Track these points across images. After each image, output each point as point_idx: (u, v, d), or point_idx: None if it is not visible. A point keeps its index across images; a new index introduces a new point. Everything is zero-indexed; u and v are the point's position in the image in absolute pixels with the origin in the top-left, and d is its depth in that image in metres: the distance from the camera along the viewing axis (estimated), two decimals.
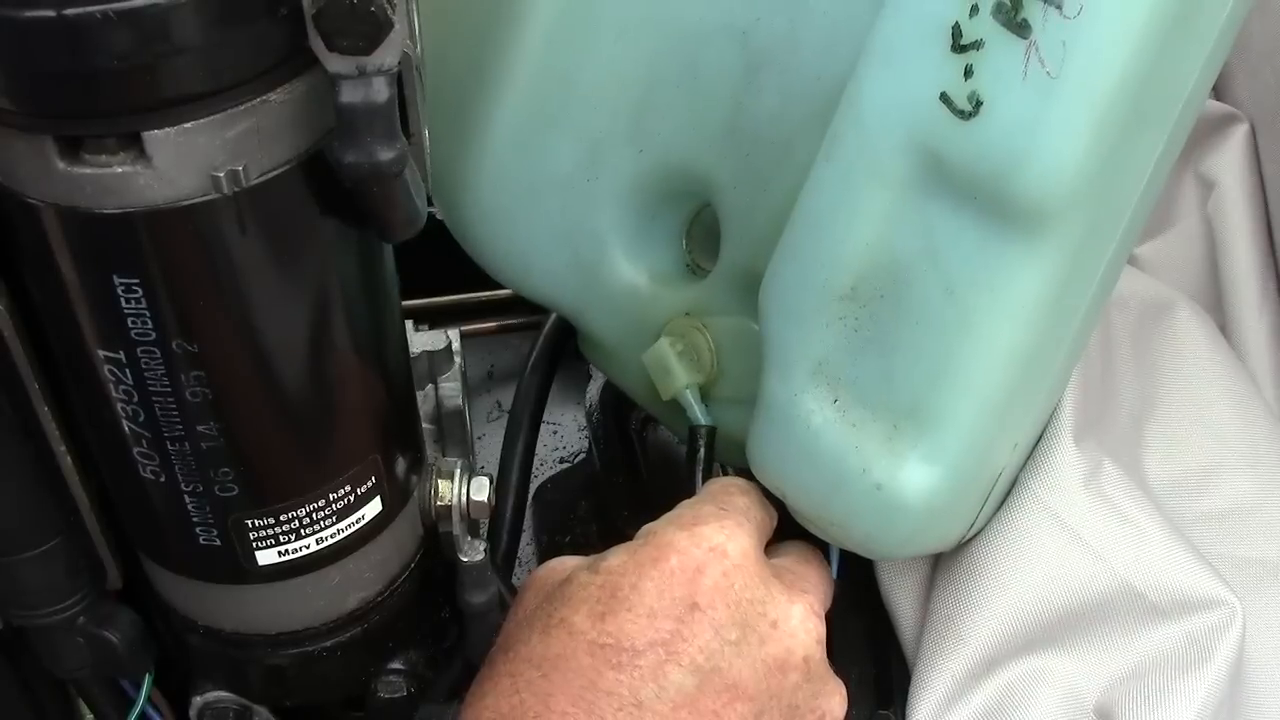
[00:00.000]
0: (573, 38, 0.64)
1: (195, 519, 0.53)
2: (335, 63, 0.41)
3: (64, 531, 0.55)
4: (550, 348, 0.79)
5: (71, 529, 0.55)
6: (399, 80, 0.43)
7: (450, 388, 0.70)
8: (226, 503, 0.52)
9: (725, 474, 0.69)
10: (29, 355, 0.50)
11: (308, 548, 0.55)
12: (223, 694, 0.63)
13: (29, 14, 0.38)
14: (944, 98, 0.50)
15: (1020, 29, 0.48)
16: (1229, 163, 0.80)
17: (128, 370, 0.47)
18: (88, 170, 0.42)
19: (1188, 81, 0.51)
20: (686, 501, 0.62)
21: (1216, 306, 0.79)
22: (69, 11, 0.38)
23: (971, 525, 0.61)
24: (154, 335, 0.46)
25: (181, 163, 0.43)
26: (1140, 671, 0.60)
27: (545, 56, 0.64)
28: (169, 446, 0.50)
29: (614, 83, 0.64)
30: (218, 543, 0.53)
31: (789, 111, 0.60)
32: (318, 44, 0.41)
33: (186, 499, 0.52)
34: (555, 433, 0.97)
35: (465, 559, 0.61)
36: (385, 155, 0.43)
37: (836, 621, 0.60)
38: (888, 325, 0.56)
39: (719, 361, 0.67)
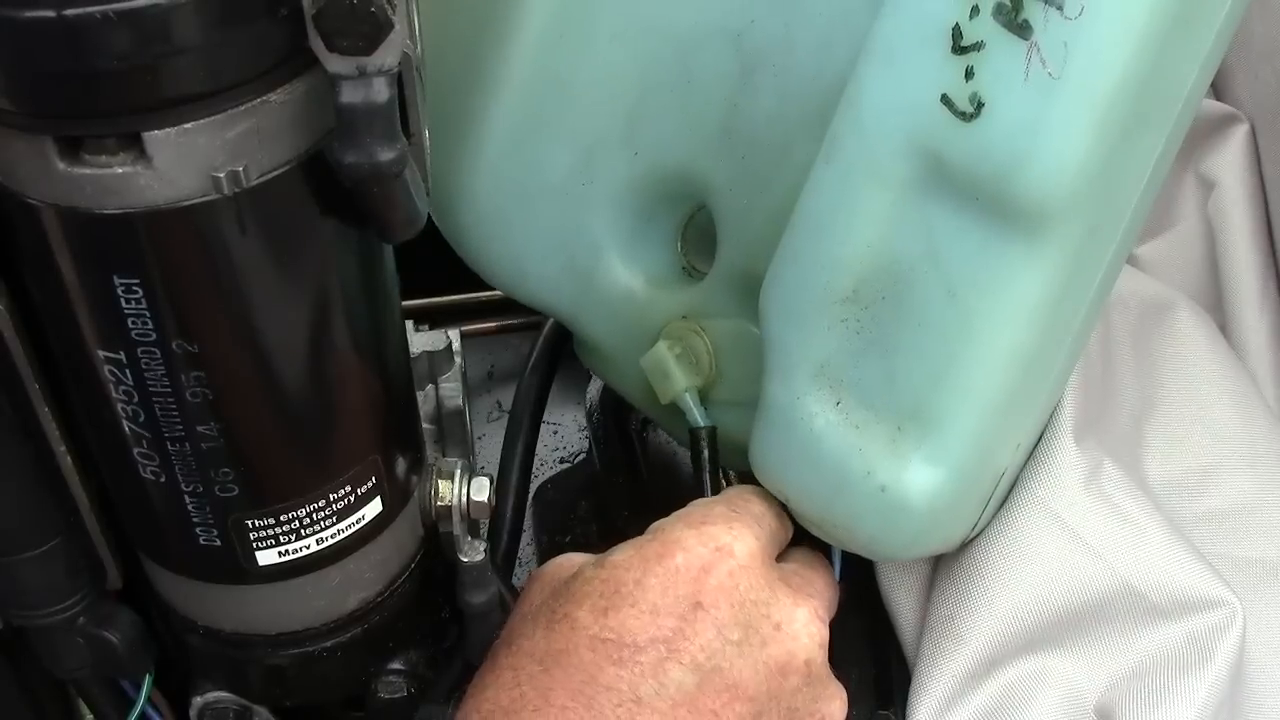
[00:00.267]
0: (566, 42, 0.63)
1: (195, 519, 0.53)
2: (335, 63, 0.41)
3: (64, 531, 0.55)
4: (550, 348, 0.79)
5: (71, 529, 0.55)
6: (399, 80, 0.43)
7: (450, 388, 0.70)
8: (227, 503, 0.52)
9: (728, 478, 0.70)
10: (29, 355, 0.50)
11: (308, 548, 0.55)
12: (223, 694, 0.63)
13: (29, 14, 0.38)
14: (945, 99, 0.50)
15: (1021, 30, 0.48)
16: (1229, 163, 0.80)
17: (128, 370, 0.47)
18: (88, 170, 0.42)
19: (1187, 81, 0.51)
20: (698, 501, 0.62)
21: (1216, 306, 0.79)
22: (69, 12, 0.38)
23: (974, 525, 0.61)
24: (154, 335, 0.46)
25: (182, 163, 0.43)
26: (1141, 671, 0.60)
27: (539, 61, 0.64)
28: (169, 447, 0.50)
29: (608, 86, 0.64)
30: (218, 543, 0.53)
31: (786, 113, 0.60)
32: (318, 44, 0.41)
33: (186, 499, 0.52)
34: (555, 433, 0.97)
35: (465, 559, 0.61)
36: (385, 156, 0.43)
37: (836, 621, 0.61)
38: (890, 327, 0.55)
39: (717, 364, 0.67)
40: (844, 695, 0.59)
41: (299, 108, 0.44)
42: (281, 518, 0.53)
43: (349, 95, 0.42)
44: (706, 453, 0.67)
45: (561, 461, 0.96)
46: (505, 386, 0.98)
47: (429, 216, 0.50)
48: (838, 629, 0.60)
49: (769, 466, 0.62)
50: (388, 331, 0.55)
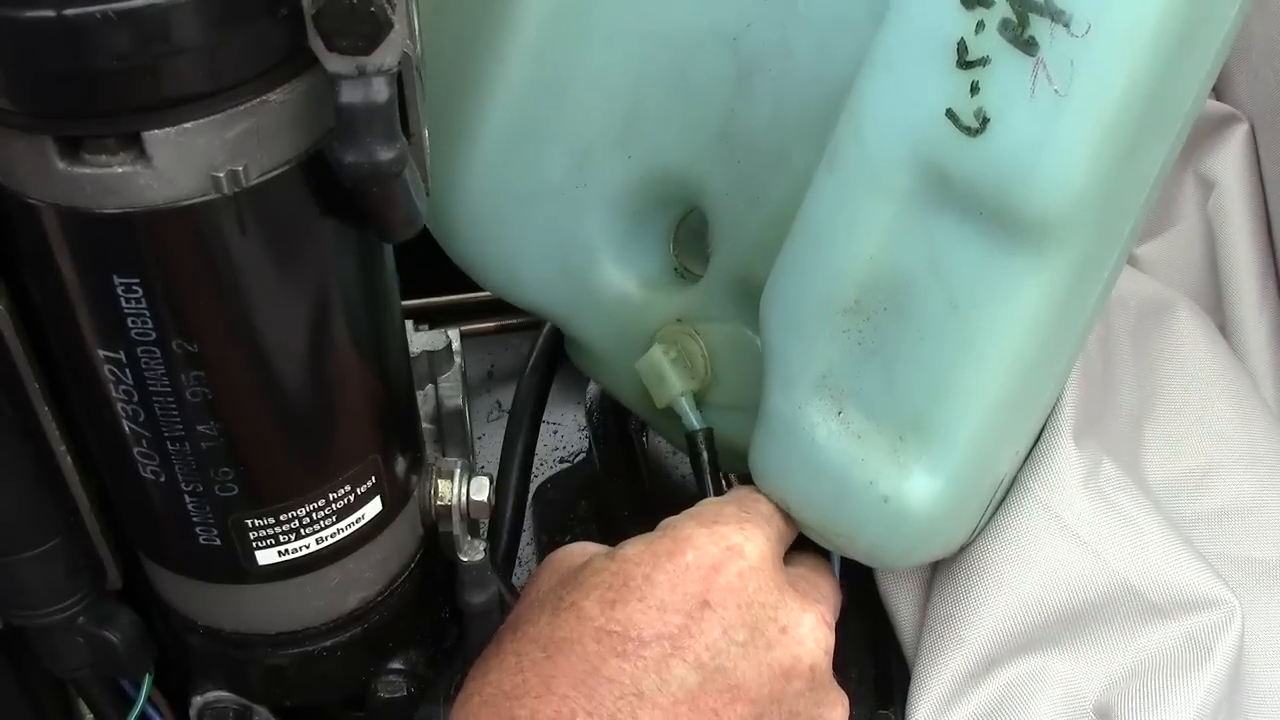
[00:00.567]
0: (562, 44, 0.63)
1: (195, 519, 0.53)
2: (335, 63, 0.41)
3: (64, 531, 0.55)
4: (550, 348, 0.79)
5: (71, 529, 0.55)
6: (399, 80, 0.43)
7: (450, 388, 0.70)
8: (226, 502, 0.52)
9: (728, 480, 0.70)
10: (29, 355, 0.50)
11: (308, 547, 0.55)
12: (223, 694, 0.63)
13: (29, 14, 0.38)
14: (950, 114, 0.50)
15: (1027, 46, 0.48)
16: (1229, 163, 0.80)
17: (128, 370, 0.47)
18: (88, 170, 0.42)
19: (1191, 94, 0.51)
20: (709, 500, 0.62)
21: (1216, 306, 0.79)
22: (69, 12, 0.38)
23: (973, 530, 0.61)
24: (154, 335, 0.46)
25: (181, 163, 0.43)
26: (1140, 671, 0.60)
27: (535, 63, 0.64)
28: (169, 446, 0.50)
29: (604, 89, 0.64)
30: (218, 543, 0.53)
31: (783, 118, 0.60)
32: (317, 44, 0.41)
33: (186, 499, 0.52)
34: (555, 433, 0.97)
35: (465, 559, 0.61)
36: (385, 155, 0.43)
37: (838, 621, 0.61)
38: (891, 338, 0.55)
39: (713, 368, 0.67)
40: (846, 702, 0.59)
41: (299, 107, 0.44)
42: (281, 517, 0.53)
43: (349, 95, 0.42)
44: (705, 455, 0.67)
45: (561, 461, 0.96)
46: (505, 386, 0.98)
47: None
48: (838, 629, 0.60)
49: (769, 474, 0.62)
50: (388, 331, 0.55)
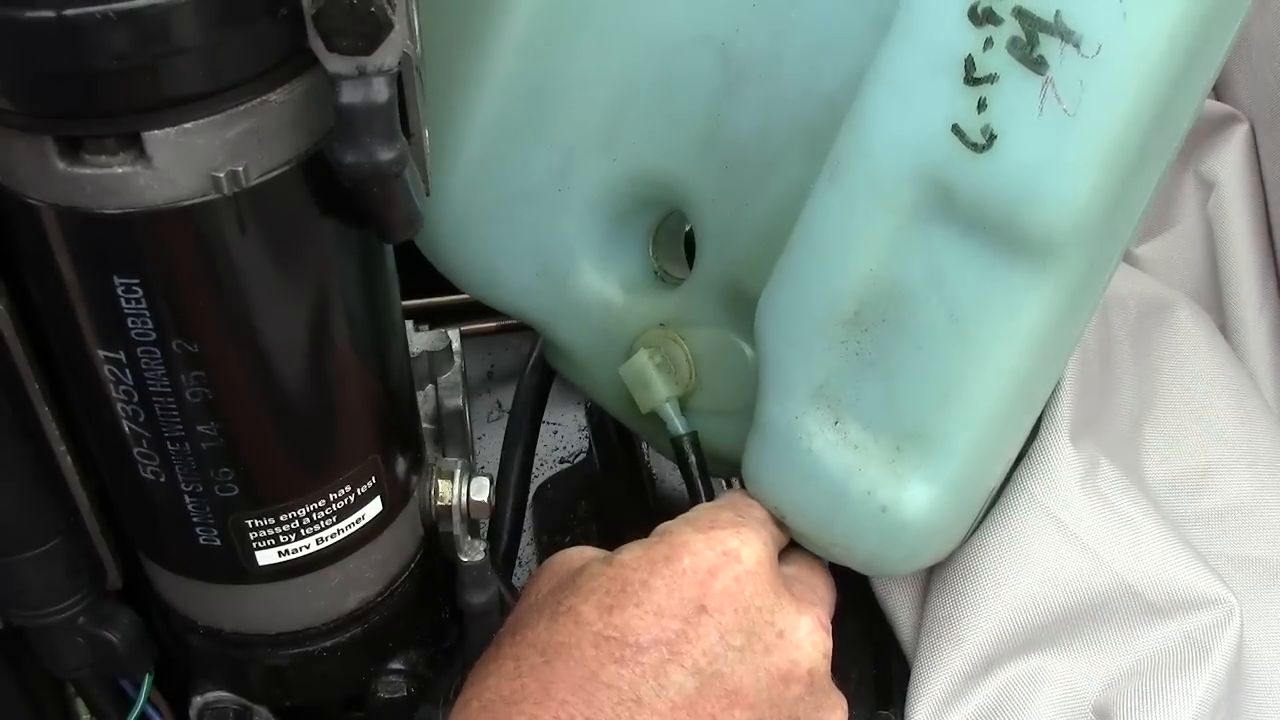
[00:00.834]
0: (550, 44, 0.63)
1: (195, 519, 0.53)
2: (335, 63, 0.41)
3: (64, 531, 0.55)
4: None
5: (71, 529, 0.55)
6: (399, 80, 0.43)
7: (450, 388, 0.70)
8: (226, 503, 0.52)
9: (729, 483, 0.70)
10: (29, 355, 0.50)
11: (308, 548, 0.55)
12: (223, 694, 0.63)
13: (29, 14, 0.38)
14: (956, 130, 0.50)
15: (1036, 65, 0.48)
16: (1229, 163, 0.80)
17: (128, 370, 0.47)
18: (88, 170, 0.42)
19: (1193, 110, 0.51)
20: (703, 505, 0.62)
21: (1216, 306, 0.79)
22: (69, 12, 0.38)
23: (966, 535, 0.61)
24: (154, 335, 0.46)
25: (181, 163, 0.43)
26: (1138, 670, 0.60)
27: (520, 64, 0.63)
28: (169, 446, 0.50)
29: (589, 90, 0.63)
30: (218, 543, 0.53)
31: (772, 125, 0.60)
32: (317, 44, 0.41)
33: (186, 499, 0.52)
34: (555, 433, 0.97)
35: (465, 559, 0.61)
36: (385, 155, 0.43)
37: (836, 621, 0.61)
38: (890, 350, 0.55)
39: (697, 373, 0.67)
40: (844, 705, 0.59)
41: (299, 108, 0.44)
42: (281, 518, 0.53)
43: (349, 95, 0.42)
44: (693, 459, 0.67)
45: (561, 461, 0.96)
46: (505, 386, 0.98)
47: None
48: (838, 629, 0.60)
49: (764, 482, 0.61)
50: (388, 331, 0.55)
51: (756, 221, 0.61)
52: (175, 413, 0.49)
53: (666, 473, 0.87)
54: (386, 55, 0.41)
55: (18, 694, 0.64)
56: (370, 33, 0.41)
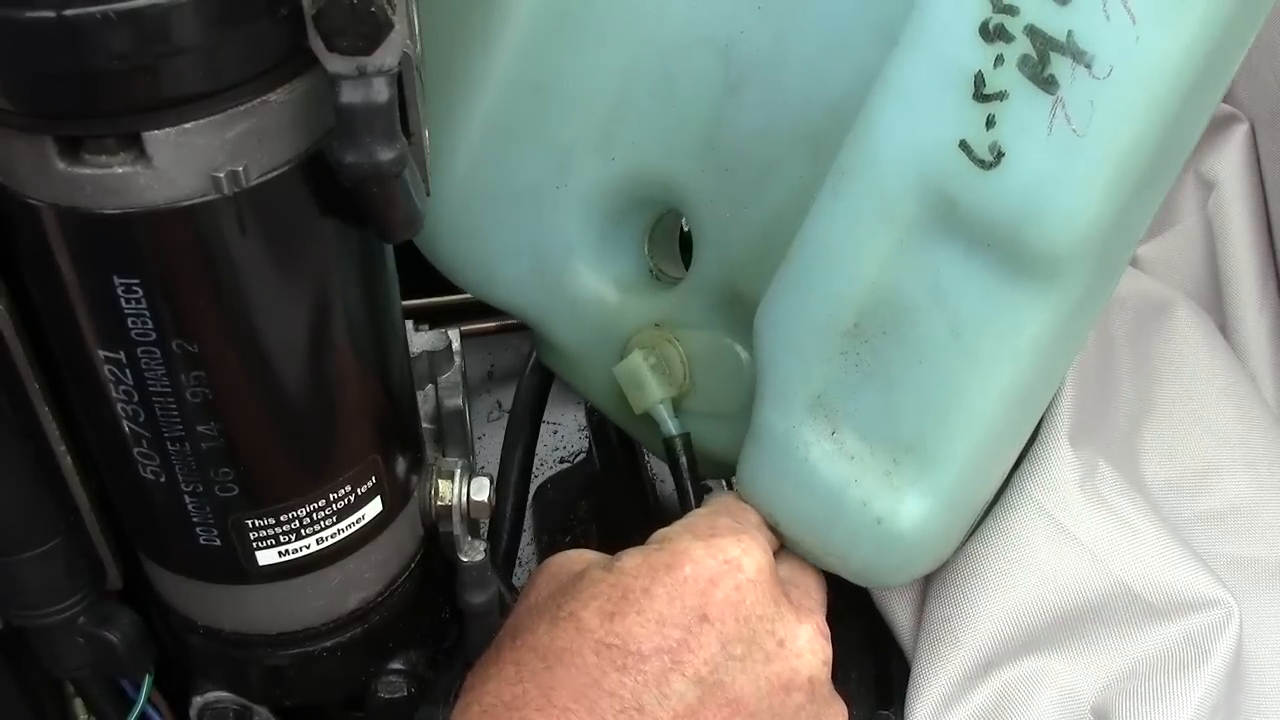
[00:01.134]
0: (550, 43, 0.63)
1: (195, 519, 0.53)
2: (335, 63, 0.41)
3: (64, 531, 0.55)
4: None
5: (71, 529, 0.55)
6: (399, 80, 0.43)
7: (450, 388, 0.70)
8: (226, 503, 0.52)
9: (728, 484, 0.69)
10: (29, 355, 0.50)
11: (308, 548, 0.55)
12: (223, 694, 0.63)
13: (29, 14, 0.38)
14: (963, 145, 0.50)
15: (1046, 84, 0.47)
16: (1229, 163, 0.80)
17: (128, 370, 0.47)
18: (88, 170, 0.42)
19: (1200, 129, 0.51)
20: (700, 511, 0.62)
21: (1216, 306, 0.79)
22: (69, 12, 0.38)
23: (960, 543, 0.61)
24: (154, 335, 0.46)
25: (181, 163, 0.43)
26: (1137, 672, 0.60)
27: (520, 62, 0.63)
28: (169, 446, 0.50)
29: (589, 90, 0.63)
30: (218, 543, 0.53)
31: (773, 129, 0.60)
32: (317, 44, 0.41)
33: (186, 499, 0.52)
34: (555, 433, 0.97)
35: (465, 559, 0.61)
36: (385, 155, 0.43)
37: (836, 621, 0.61)
38: (890, 362, 0.55)
39: (691, 374, 0.67)
40: (845, 713, 0.59)
41: (299, 108, 0.44)
42: (281, 518, 0.53)
43: (349, 95, 0.42)
44: (684, 460, 0.67)
45: (561, 461, 0.96)
46: (505, 386, 0.98)
47: None
48: (838, 629, 0.60)
49: (759, 489, 0.61)
50: (388, 331, 0.55)
51: (754, 225, 0.61)
52: (175, 413, 0.49)
53: (668, 474, 0.87)
54: (386, 55, 0.41)
55: (18, 694, 0.64)
56: (370, 33, 0.41)
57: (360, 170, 0.43)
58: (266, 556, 0.54)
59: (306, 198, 0.46)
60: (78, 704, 0.67)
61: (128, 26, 0.39)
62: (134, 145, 0.42)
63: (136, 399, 0.48)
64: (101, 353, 0.47)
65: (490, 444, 0.93)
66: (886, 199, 0.53)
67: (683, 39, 0.61)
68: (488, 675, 0.54)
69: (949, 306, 0.53)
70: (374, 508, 0.56)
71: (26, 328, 0.50)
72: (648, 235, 0.68)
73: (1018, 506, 0.61)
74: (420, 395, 0.68)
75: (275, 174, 0.45)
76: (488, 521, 0.64)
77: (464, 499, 0.62)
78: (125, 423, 0.49)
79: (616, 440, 0.91)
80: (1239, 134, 0.80)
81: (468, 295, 0.72)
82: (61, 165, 0.42)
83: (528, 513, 0.85)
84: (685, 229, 0.68)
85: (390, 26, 0.41)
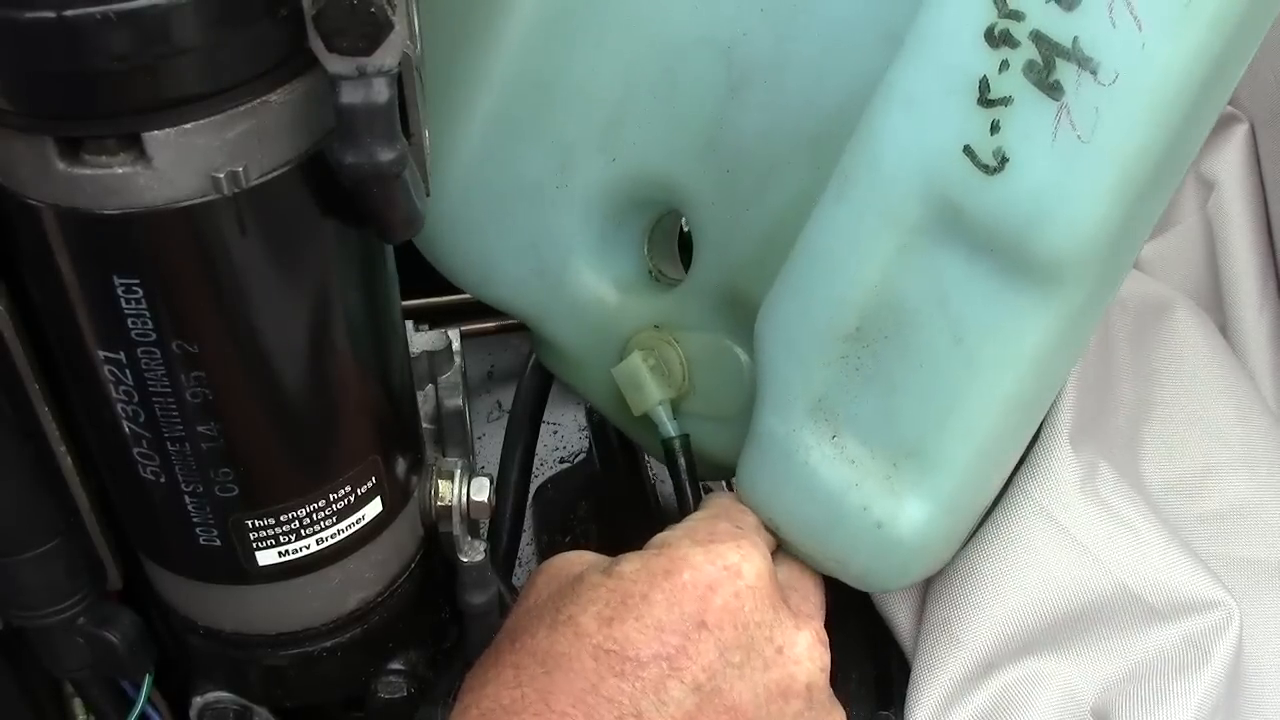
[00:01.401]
0: (552, 42, 0.63)
1: (195, 519, 0.53)
2: (335, 63, 0.41)
3: (64, 532, 0.55)
4: None
5: (71, 529, 0.55)
6: (399, 80, 0.43)
7: (450, 388, 0.70)
8: (226, 503, 0.52)
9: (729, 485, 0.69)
10: (29, 355, 0.50)
11: (308, 548, 0.55)
12: (223, 694, 0.63)
13: (29, 15, 0.38)
14: (967, 150, 0.50)
15: (1052, 90, 0.47)
16: (1229, 163, 0.80)
17: (128, 370, 0.47)
18: (88, 171, 0.42)
19: (1204, 137, 0.51)
20: (699, 514, 0.61)
21: (1216, 306, 0.79)
22: (69, 13, 0.38)
23: (959, 546, 0.61)
24: (154, 335, 0.46)
25: (182, 163, 0.43)
26: (1138, 673, 0.60)
27: (522, 61, 0.63)
28: (169, 447, 0.50)
29: (591, 89, 0.63)
30: (218, 543, 0.53)
31: (775, 131, 0.60)
32: (318, 45, 0.41)
33: (186, 499, 0.52)
34: (555, 433, 0.97)
35: (465, 559, 0.61)
36: (385, 156, 0.43)
37: (836, 621, 0.61)
38: (891, 366, 0.55)
39: (690, 376, 0.67)
40: (844, 719, 0.59)
41: (299, 108, 0.44)
42: (281, 518, 0.53)
43: (349, 96, 0.42)
44: (683, 461, 0.67)
45: (561, 461, 0.96)
46: (505, 386, 0.98)
47: None
48: (838, 629, 0.60)
49: (758, 493, 0.61)
50: (388, 331, 0.55)
51: (755, 226, 0.61)
52: (175, 413, 0.49)
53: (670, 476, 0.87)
54: (386, 56, 0.41)
55: (18, 694, 0.64)
56: (370, 33, 0.41)
57: (360, 171, 0.43)
58: (266, 557, 0.54)
59: (306, 198, 0.46)
60: (77, 704, 0.67)
61: (128, 27, 0.39)
62: (134, 146, 0.42)
63: (136, 399, 0.48)
64: (101, 353, 0.47)
65: (490, 444, 0.93)
66: (890, 203, 0.53)
67: (685, 39, 0.61)
68: (486, 678, 0.54)
69: (951, 311, 0.53)
70: (374, 508, 0.56)
71: (26, 328, 0.50)
72: (647, 236, 0.68)
73: (1018, 507, 0.61)
74: (420, 395, 0.68)
75: (275, 174, 0.45)
76: (488, 521, 0.64)
77: (464, 499, 0.62)
78: (125, 423, 0.49)
79: (616, 440, 0.91)
80: (1239, 134, 0.80)
81: (468, 295, 0.72)
82: (61, 166, 0.42)
83: (528, 513, 0.85)
84: (685, 230, 0.68)
85: (390, 27, 0.41)
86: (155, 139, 0.42)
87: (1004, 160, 0.49)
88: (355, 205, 0.46)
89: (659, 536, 0.59)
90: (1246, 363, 0.76)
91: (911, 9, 0.51)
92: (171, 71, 0.41)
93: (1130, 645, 0.61)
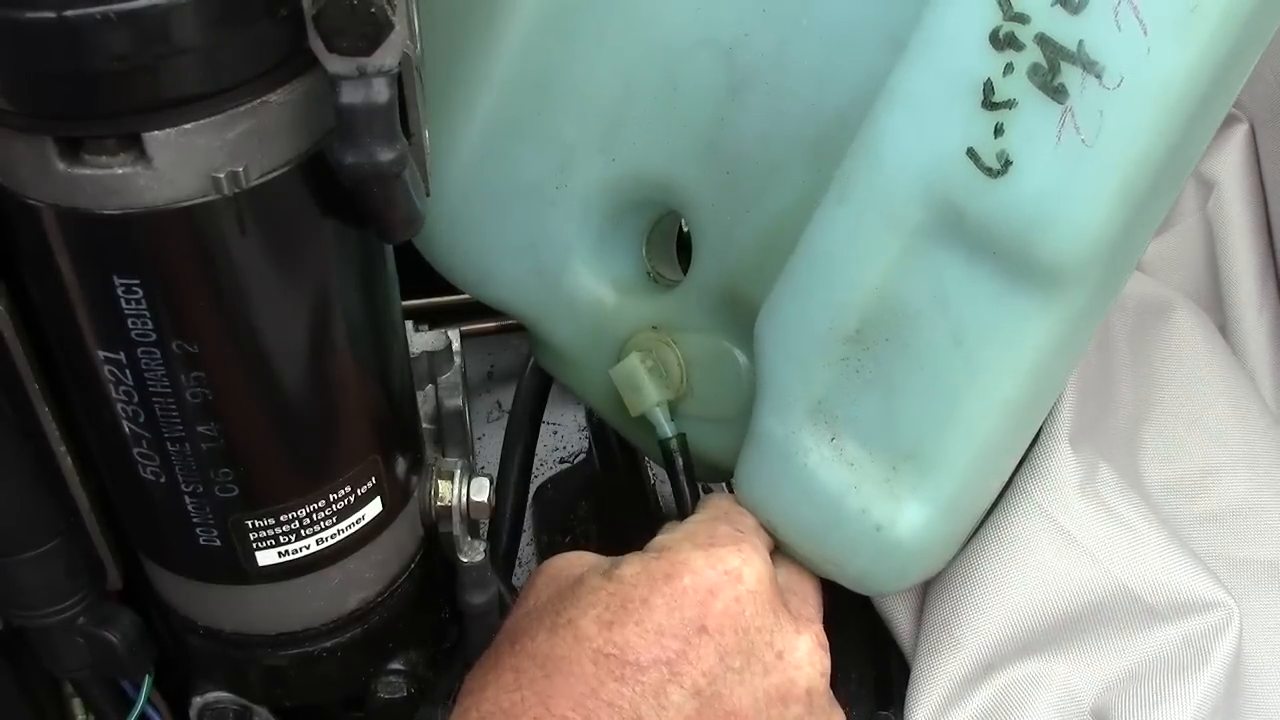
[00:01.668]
0: (552, 43, 0.63)
1: (195, 519, 0.53)
2: (335, 64, 0.41)
3: (64, 531, 0.55)
4: None
5: (71, 529, 0.55)
6: (399, 80, 0.43)
7: (450, 388, 0.70)
8: (226, 503, 0.52)
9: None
10: (29, 355, 0.50)
11: (308, 548, 0.55)
12: (223, 694, 0.63)
13: (29, 15, 0.38)
14: (971, 153, 0.50)
15: (1056, 93, 0.47)
16: (1229, 163, 0.80)
17: (128, 371, 0.47)
18: (88, 171, 0.42)
19: (1207, 141, 0.51)
20: (699, 517, 0.61)
21: (1216, 306, 0.79)
22: (69, 13, 0.38)
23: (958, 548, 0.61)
24: (154, 336, 0.46)
25: (182, 164, 0.43)
26: (1137, 674, 0.60)
27: (523, 61, 0.63)
28: (169, 447, 0.50)
29: (589, 90, 0.63)
30: (218, 543, 0.53)
31: (777, 134, 0.59)
32: (318, 45, 0.41)
33: (186, 499, 0.52)
34: (555, 433, 0.97)
35: (465, 559, 0.61)
36: (385, 156, 0.43)
37: (836, 622, 0.61)
38: (891, 369, 0.55)
39: (689, 378, 0.66)
40: None
41: (299, 108, 0.44)
42: (281, 518, 0.53)
43: (349, 96, 0.42)
44: (680, 462, 0.67)
45: (561, 461, 0.96)
46: (505, 386, 0.99)
47: None
48: (838, 629, 0.60)
49: (757, 495, 0.61)
50: (388, 332, 0.55)
51: (755, 228, 0.61)
52: (175, 413, 0.49)
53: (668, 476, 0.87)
54: (387, 56, 0.41)
55: (17, 694, 0.64)
56: (370, 33, 0.41)
57: (360, 171, 0.43)
58: (266, 557, 0.54)
59: (306, 198, 0.46)
60: (77, 704, 0.67)
61: (128, 27, 0.39)
62: (134, 146, 0.42)
63: (136, 399, 0.48)
64: (101, 353, 0.47)
65: (490, 444, 0.93)
66: (892, 205, 0.53)
67: (686, 40, 0.61)
68: (486, 680, 0.54)
69: (952, 315, 0.53)
70: (374, 508, 0.56)
71: (26, 328, 0.50)
72: (646, 237, 0.68)
73: (1018, 508, 0.61)
74: (420, 395, 0.68)
75: (275, 174, 0.45)
76: (487, 522, 0.64)
77: (464, 499, 0.62)
78: (125, 423, 0.49)
79: (616, 441, 0.91)
80: (1239, 134, 0.80)
81: (467, 295, 0.72)
82: (61, 166, 0.42)
83: (528, 513, 0.85)
84: (684, 231, 0.68)
85: (390, 27, 0.41)
86: (155, 139, 0.42)
87: (1007, 163, 0.49)
88: (355, 205, 0.46)
89: (658, 539, 0.59)
90: (1246, 363, 0.76)
91: (915, 11, 0.51)
92: (171, 71, 0.41)
93: (1130, 645, 0.61)
